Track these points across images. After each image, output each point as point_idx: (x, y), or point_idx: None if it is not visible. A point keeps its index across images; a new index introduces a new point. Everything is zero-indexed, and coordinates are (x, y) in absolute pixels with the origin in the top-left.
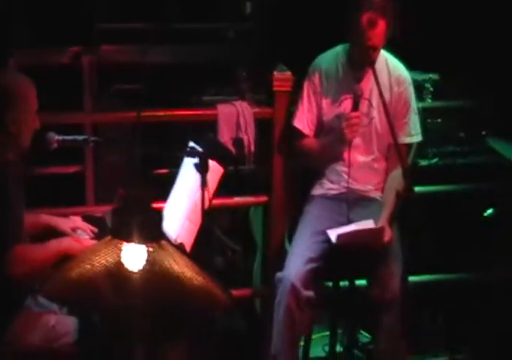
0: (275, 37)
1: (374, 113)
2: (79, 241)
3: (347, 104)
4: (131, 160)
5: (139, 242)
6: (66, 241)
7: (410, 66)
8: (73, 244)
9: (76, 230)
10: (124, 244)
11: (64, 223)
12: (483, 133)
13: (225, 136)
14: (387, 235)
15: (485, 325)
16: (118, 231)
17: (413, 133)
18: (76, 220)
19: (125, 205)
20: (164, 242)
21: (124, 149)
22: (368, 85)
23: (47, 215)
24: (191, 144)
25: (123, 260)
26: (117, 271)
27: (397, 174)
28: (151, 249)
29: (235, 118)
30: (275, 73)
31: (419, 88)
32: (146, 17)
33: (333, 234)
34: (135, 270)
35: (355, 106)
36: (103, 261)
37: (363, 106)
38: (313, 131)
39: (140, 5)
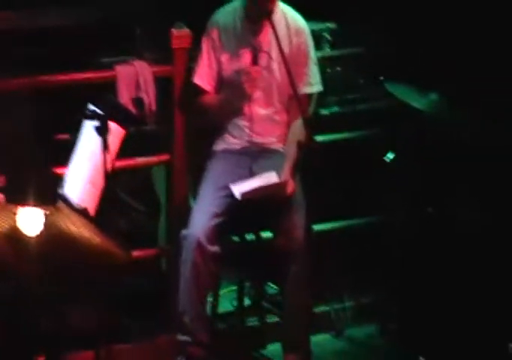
0: None
1: (274, 65)
2: None
3: (246, 58)
4: (23, 126)
5: (34, 206)
6: None
7: (307, 16)
8: None
9: None
10: (20, 208)
11: None
12: (381, 78)
13: (125, 97)
14: (290, 187)
15: (389, 269)
16: (12, 195)
17: (313, 83)
18: None
19: (18, 170)
20: (60, 205)
21: (18, 115)
22: (266, 37)
23: None
24: (91, 107)
25: (19, 225)
26: (14, 235)
27: (298, 125)
28: (47, 212)
29: (134, 78)
30: (173, 30)
31: (317, 37)
32: None
33: (237, 190)
34: (32, 234)
35: (254, 60)
36: None
37: (263, 59)
38: (213, 87)
39: None
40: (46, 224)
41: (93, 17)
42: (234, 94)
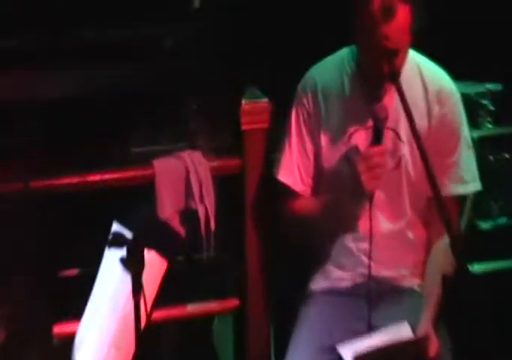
0: (241, 46)
1: (405, 150)
2: None
3: (360, 138)
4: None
5: None
6: None
7: (456, 74)
8: None
9: None
10: None
11: None
12: None
13: (168, 209)
14: (433, 346)
15: None
16: None
17: (466, 180)
18: None
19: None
20: None
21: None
22: (391, 106)
23: None
24: (116, 226)
25: None
26: None
27: (443, 247)
28: None
29: (183, 178)
30: (243, 101)
31: (472, 107)
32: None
33: (348, 353)
34: None
35: (377, 138)
36: None
37: (387, 139)
38: (310, 186)
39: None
40: None
41: (125, 84)
42: (343, 194)
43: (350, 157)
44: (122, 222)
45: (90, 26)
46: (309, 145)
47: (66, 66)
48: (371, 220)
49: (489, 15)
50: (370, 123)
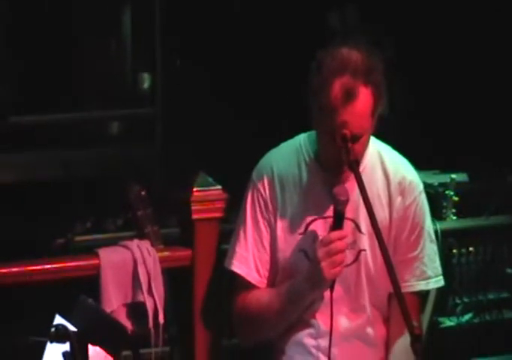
0: (191, 130)
1: (364, 243)
2: None
3: (318, 227)
4: None
5: None
6: None
7: (419, 164)
8: None
9: None
10: None
11: None
12: None
13: (114, 302)
14: None
15: None
16: None
17: (428, 275)
18: None
19: None
20: None
21: None
22: (352, 196)
23: None
24: (58, 318)
25: None
26: None
27: (404, 346)
28: None
29: (130, 269)
30: (194, 189)
31: (436, 198)
32: None
33: None
34: None
35: (337, 222)
36: None
37: (346, 230)
38: (266, 278)
39: None
40: None
41: (70, 169)
42: (302, 285)
43: (308, 246)
44: (65, 315)
45: (30, 111)
46: (265, 235)
47: (4, 151)
48: (331, 314)
49: (455, 104)
50: (329, 212)
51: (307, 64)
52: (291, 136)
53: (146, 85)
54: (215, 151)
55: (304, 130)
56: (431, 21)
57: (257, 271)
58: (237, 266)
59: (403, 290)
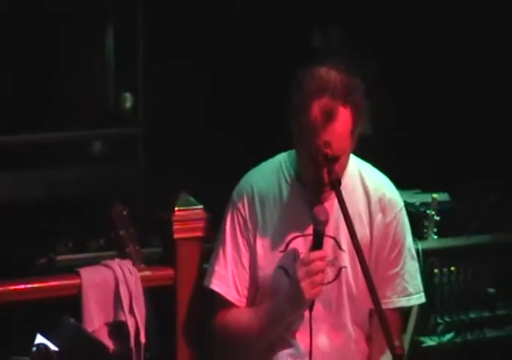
0: (173, 149)
1: (345, 261)
2: None
3: (299, 245)
4: None
5: None
6: None
7: (399, 183)
8: None
9: None
10: None
11: None
12: None
13: (96, 321)
14: None
15: None
16: None
17: (410, 292)
18: None
19: None
20: None
21: None
22: (332, 214)
23: None
24: (40, 338)
25: None
26: None
27: None
28: None
29: (112, 288)
30: (176, 208)
31: (417, 217)
32: None
33: None
34: None
35: (317, 243)
36: None
37: (327, 247)
38: (245, 297)
39: None
40: None
41: (52, 188)
42: (282, 305)
43: (289, 263)
44: (47, 334)
45: (13, 131)
46: (245, 253)
47: None
48: (311, 333)
49: (438, 124)
50: (309, 230)
51: (288, 83)
52: (273, 154)
53: (128, 104)
54: (197, 170)
55: (285, 149)
56: (418, 37)
57: (236, 289)
58: (216, 285)
59: (384, 307)
